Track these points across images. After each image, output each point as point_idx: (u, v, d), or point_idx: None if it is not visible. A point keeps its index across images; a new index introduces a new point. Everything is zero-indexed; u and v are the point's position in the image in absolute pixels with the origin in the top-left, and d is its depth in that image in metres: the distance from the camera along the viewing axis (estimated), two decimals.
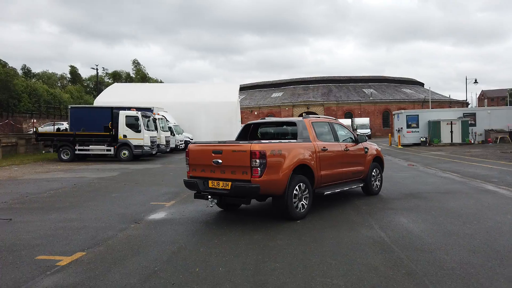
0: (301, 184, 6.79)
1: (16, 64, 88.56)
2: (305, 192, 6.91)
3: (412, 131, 30.22)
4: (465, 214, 6.97)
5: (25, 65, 65.06)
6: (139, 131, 20.79)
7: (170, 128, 26.90)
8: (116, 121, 20.90)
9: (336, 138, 8.15)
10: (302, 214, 6.80)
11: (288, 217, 6.65)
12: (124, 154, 20.92)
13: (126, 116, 20.92)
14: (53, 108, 47.32)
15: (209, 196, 6.50)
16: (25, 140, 24.87)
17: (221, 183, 6.46)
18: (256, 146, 6.15)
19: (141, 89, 38.30)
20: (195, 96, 34.23)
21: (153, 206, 8.24)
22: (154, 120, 22.87)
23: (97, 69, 54.32)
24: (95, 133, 21.15)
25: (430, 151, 24.80)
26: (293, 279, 4.08)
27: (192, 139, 29.87)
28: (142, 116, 21.10)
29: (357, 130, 55.90)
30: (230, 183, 6.29)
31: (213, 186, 6.59)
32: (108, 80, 72.20)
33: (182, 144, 28.50)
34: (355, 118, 57.82)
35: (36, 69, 52.86)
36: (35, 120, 41.94)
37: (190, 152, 6.95)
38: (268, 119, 8.67)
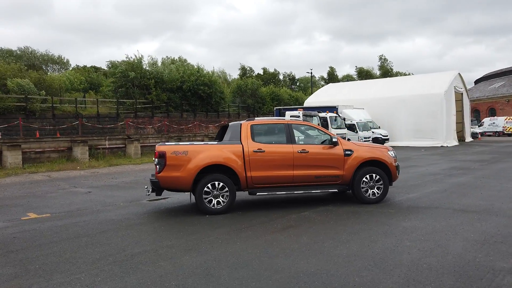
0: (216, 182, 7.39)
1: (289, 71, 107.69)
2: (224, 190, 7.42)
3: None
4: (376, 233, 5.76)
5: (286, 72, 78.42)
6: None
7: (352, 125, 27.48)
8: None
9: (291, 140, 7.87)
10: (218, 210, 7.38)
11: (200, 210, 7.44)
12: None
13: (290, 116, 23.28)
14: None
15: (146, 186, 8.16)
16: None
17: None
18: (161, 147, 7.38)
19: (349, 87, 39.44)
20: (395, 90, 32.65)
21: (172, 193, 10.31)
22: (324, 118, 24.30)
23: (311, 73, 60.83)
24: None
25: None
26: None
27: (385, 136, 29.06)
28: (304, 115, 22.99)
29: None
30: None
31: None
32: (354, 77, 76.86)
33: (368, 140, 28.27)
34: None
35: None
36: None
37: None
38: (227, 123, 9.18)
